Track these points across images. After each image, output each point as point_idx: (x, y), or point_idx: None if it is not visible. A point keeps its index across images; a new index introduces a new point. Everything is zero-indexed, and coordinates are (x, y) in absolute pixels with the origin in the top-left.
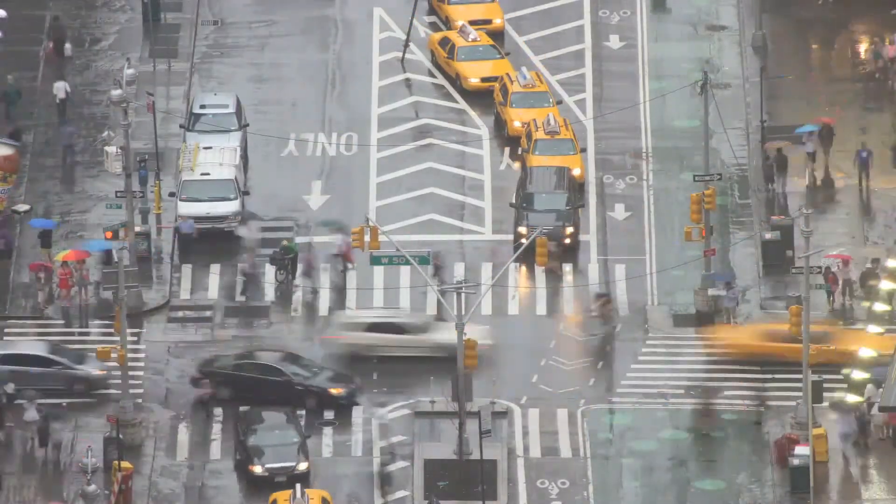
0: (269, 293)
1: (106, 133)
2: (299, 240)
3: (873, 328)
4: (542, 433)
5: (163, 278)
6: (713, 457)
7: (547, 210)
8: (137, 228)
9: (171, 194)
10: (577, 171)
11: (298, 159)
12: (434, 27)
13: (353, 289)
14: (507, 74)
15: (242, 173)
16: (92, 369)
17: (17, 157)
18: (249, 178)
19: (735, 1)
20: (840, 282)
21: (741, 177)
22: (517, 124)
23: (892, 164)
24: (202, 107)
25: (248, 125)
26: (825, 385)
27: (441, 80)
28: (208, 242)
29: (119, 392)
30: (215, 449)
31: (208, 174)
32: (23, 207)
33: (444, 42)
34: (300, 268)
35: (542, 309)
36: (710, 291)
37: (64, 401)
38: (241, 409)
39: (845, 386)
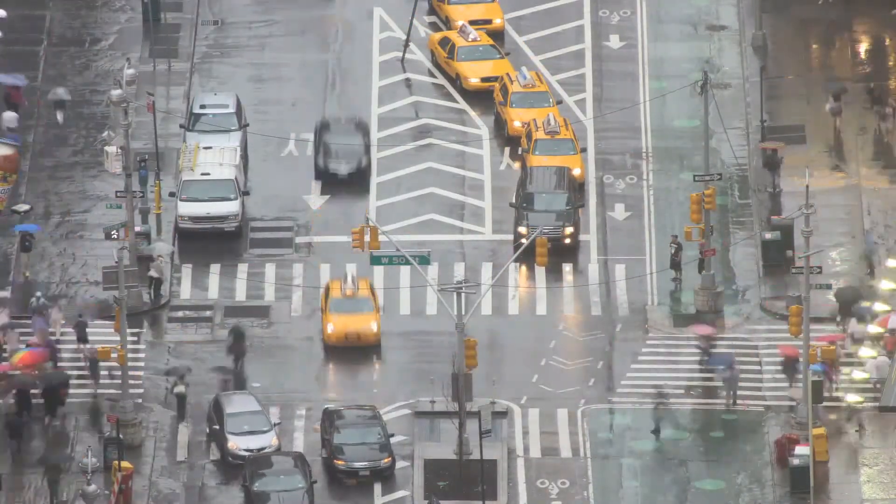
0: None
1: (106, 133)
2: (299, 240)
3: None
4: (542, 433)
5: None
6: (713, 457)
7: (547, 210)
8: (137, 228)
9: (171, 194)
10: (577, 171)
11: (298, 159)
12: (434, 27)
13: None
14: (507, 74)
15: (242, 173)
16: None
17: (17, 157)
18: (249, 178)
19: (735, 1)
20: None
21: (741, 177)
22: (517, 124)
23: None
24: (202, 107)
25: (248, 125)
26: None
27: (441, 80)
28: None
29: (119, 392)
30: (215, 449)
31: (208, 174)
32: (23, 207)
33: (444, 42)
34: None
35: (542, 309)
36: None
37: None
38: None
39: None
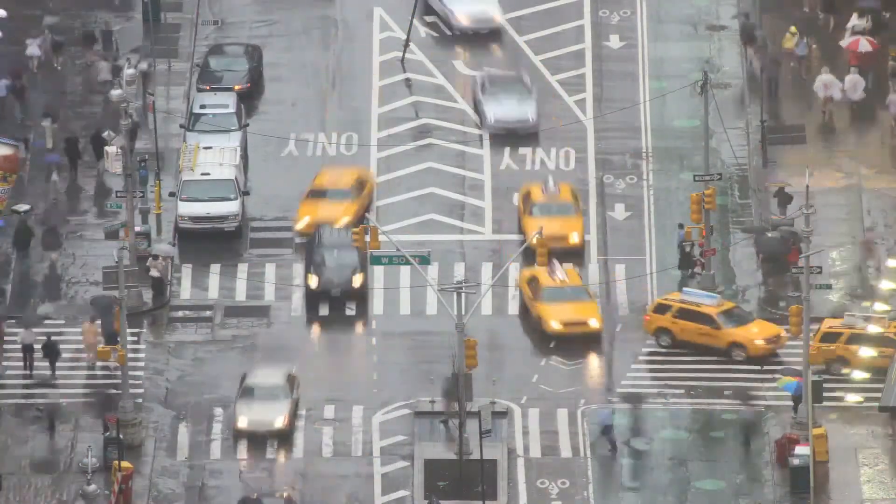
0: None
1: (106, 133)
2: (299, 240)
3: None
4: (542, 433)
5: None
6: (713, 457)
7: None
8: (137, 228)
9: (172, 194)
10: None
11: (298, 159)
12: (434, 27)
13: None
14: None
15: (242, 173)
16: None
17: (17, 157)
18: (249, 178)
19: (735, 1)
20: None
21: (741, 177)
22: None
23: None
24: (202, 107)
25: (248, 125)
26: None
27: (441, 80)
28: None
29: (119, 392)
30: (215, 449)
31: (208, 174)
32: (23, 207)
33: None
34: None
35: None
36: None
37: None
38: None
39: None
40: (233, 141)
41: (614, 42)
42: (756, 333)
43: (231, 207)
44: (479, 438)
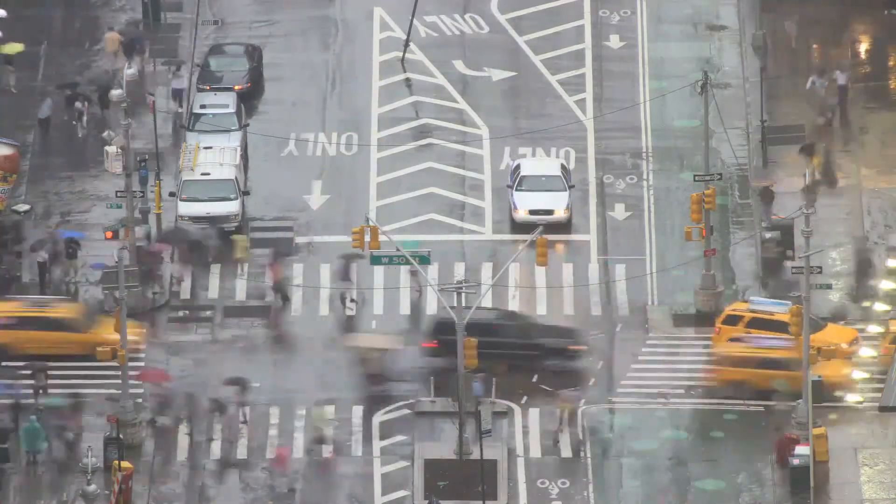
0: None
1: (106, 133)
2: (300, 240)
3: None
4: (542, 433)
5: (162, 278)
6: (713, 457)
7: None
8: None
9: (172, 194)
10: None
11: (298, 159)
12: (434, 27)
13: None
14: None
15: (242, 173)
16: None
17: (17, 157)
18: (249, 178)
19: (735, 1)
20: None
21: (741, 177)
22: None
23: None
24: (202, 107)
25: (248, 125)
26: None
27: (441, 80)
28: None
29: (119, 392)
30: (215, 449)
31: (208, 174)
32: (23, 207)
33: None
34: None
35: (542, 309)
36: None
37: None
38: None
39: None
40: (233, 141)
41: (614, 42)
42: (835, 338)
43: (231, 207)
44: (478, 438)
